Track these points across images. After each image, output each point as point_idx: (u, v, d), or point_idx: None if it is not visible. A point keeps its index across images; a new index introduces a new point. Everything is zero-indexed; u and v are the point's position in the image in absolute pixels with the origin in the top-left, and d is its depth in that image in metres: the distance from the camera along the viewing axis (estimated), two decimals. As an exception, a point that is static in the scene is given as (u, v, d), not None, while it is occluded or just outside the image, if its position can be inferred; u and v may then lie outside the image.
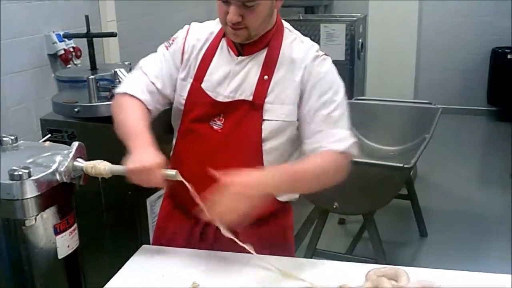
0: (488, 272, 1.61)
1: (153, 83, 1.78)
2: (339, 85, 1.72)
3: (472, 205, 4.44)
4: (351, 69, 4.78)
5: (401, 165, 2.89)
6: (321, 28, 4.77)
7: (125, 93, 1.78)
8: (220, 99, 1.72)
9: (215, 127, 1.73)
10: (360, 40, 4.89)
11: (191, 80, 1.76)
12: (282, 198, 1.83)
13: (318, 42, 4.70)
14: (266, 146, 1.72)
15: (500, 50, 6.39)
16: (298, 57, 1.70)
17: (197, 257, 1.73)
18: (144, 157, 1.56)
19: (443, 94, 6.42)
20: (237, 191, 1.50)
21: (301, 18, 5.29)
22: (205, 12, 5.21)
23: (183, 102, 1.77)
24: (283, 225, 1.90)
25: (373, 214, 3.20)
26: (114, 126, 1.74)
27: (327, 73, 1.70)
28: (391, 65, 4.75)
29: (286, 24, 1.79)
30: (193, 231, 1.83)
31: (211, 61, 1.75)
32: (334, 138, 1.66)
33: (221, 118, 1.72)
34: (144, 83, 1.78)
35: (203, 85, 1.74)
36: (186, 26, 1.85)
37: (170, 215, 1.91)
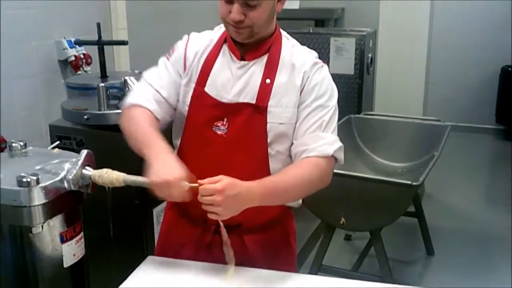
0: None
1: (158, 92, 1.78)
2: (334, 92, 1.77)
3: (479, 224, 4.40)
4: (360, 83, 4.77)
5: (409, 182, 2.85)
6: (330, 41, 4.76)
7: (133, 105, 1.78)
8: (224, 101, 1.73)
9: (218, 132, 1.73)
10: (370, 55, 4.88)
11: (193, 85, 1.77)
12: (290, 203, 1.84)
13: (327, 55, 4.72)
14: (272, 150, 1.73)
15: (509, 69, 6.36)
16: (298, 63, 1.74)
17: (203, 269, 1.72)
18: (166, 169, 1.54)
19: (451, 111, 6.39)
20: (221, 198, 1.47)
21: (311, 31, 5.29)
22: (216, 23, 5.21)
23: (187, 108, 1.77)
24: (286, 231, 1.91)
25: (380, 231, 3.17)
26: (125, 138, 1.72)
27: (324, 80, 1.75)
28: (400, 81, 4.73)
29: (283, 33, 1.82)
30: (201, 241, 1.82)
31: (213, 65, 1.76)
32: (322, 142, 1.69)
33: (224, 122, 1.72)
34: (150, 94, 1.78)
35: (206, 89, 1.75)
36: (186, 36, 1.86)
37: (175, 225, 1.90)
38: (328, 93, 1.74)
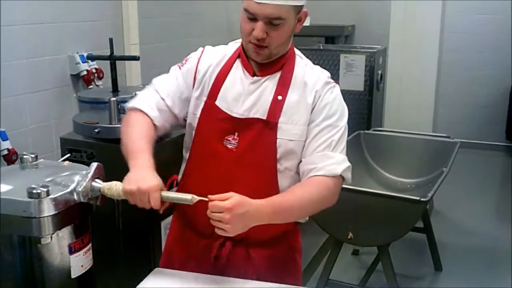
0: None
1: (163, 100, 1.82)
2: (344, 112, 1.79)
3: (487, 241, 4.38)
4: (369, 100, 4.79)
5: (418, 198, 2.86)
6: (341, 58, 4.80)
7: (134, 108, 1.81)
8: (234, 115, 1.75)
9: (229, 146, 1.75)
10: (380, 72, 4.90)
11: (205, 99, 1.79)
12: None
13: (337, 72, 4.74)
14: (281, 166, 1.75)
15: (520, 86, 6.36)
16: (311, 81, 1.76)
17: (209, 282, 1.73)
18: (141, 178, 1.57)
19: (461, 128, 6.38)
20: (230, 216, 1.49)
21: (321, 47, 5.33)
22: (228, 39, 5.26)
23: (197, 120, 1.80)
24: (292, 247, 1.92)
25: (388, 246, 3.17)
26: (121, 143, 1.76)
27: (335, 100, 1.77)
28: (410, 98, 4.75)
29: (297, 52, 1.85)
30: (205, 253, 1.83)
31: (225, 79, 1.79)
32: (330, 161, 1.71)
33: (235, 137, 1.75)
34: (154, 100, 1.82)
35: (217, 103, 1.77)
36: (201, 48, 1.89)
37: (181, 237, 1.91)
38: (338, 113, 1.76)
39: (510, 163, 6.46)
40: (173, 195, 1.61)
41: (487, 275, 3.83)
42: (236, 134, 1.75)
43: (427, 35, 4.67)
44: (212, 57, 1.83)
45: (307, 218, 1.89)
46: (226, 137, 1.75)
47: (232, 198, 1.50)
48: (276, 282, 1.76)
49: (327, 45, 6.07)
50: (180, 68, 1.86)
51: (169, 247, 1.98)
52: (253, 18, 1.65)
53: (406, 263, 3.96)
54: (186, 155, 1.87)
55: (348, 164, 1.74)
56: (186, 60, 1.87)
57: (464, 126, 6.53)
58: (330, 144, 1.73)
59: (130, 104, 1.85)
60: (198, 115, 1.80)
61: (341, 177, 1.73)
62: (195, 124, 1.81)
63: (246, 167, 1.74)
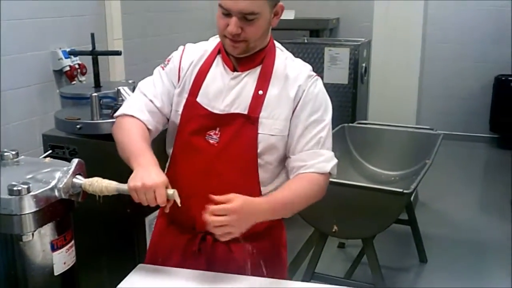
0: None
1: (152, 102, 1.81)
2: (329, 106, 1.80)
3: (472, 232, 4.42)
4: (354, 93, 4.80)
5: (401, 190, 2.88)
6: (325, 51, 4.80)
7: (125, 115, 1.81)
8: (215, 111, 1.76)
9: (211, 141, 1.76)
10: (364, 65, 4.92)
11: (186, 95, 1.80)
12: None
13: (322, 65, 4.75)
14: (262, 160, 1.75)
15: (503, 78, 6.41)
16: (292, 75, 1.76)
17: (193, 277, 1.73)
18: (146, 175, 1.57)
19: (445, 120, 6.44)
20: (236, 218, 1.52)
21: (305, 41, 5.33)
22: (211, 34, 5.24)
23: (179, 117, 1.80)
24: (277, 242, 1.93)
25: (372, 239, 3.18)
26: (116, 148, 1.76)
27: (319, 93, 1.77)
28: (394, 90, 4.75)
29: (277, 44, 1.84)
30: (188, 247, 1.84)
31: (206, 76, 1.79)
32: (320, 159, 1.73)
33: (217, 132, 1.75)
34: (143, 103, 1.81)
35: (198, 99, 1.78)
36: (181, 47, 1.89)
37: (165, 232, 1.92)
38: (323, 107, 1.77)
39: (494, 154, 6.52)
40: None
41: (471, 266, 3.87)
42: (218, 129, 1.75)
43: (410, 28, 4.66)
44: (193, 54, 1.84)
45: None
46: (208, 132, 1.76)
47: (237, 199, 1.53)
48: (259, 276, 1.76)
49: (312, 38, 6.07)
50: (163, 68, 1.87)
51: (154, 241, 1.99)
52: (227, 13, 1.65)
53: (392, 255, 3.99)
54: (169, 151, 1.87)
55: (335, 160, 1.77)
56: (168, 60, 1.88)
57: (448, 118, 6.59)
58: (318, 141, 1.74)
59: (119, 111, 1.84)
60: (180, 112, 1.80)
61: (328, 174, 1.76)
62: (177, 121, 1.81)
63: (227, 161, 1.75)
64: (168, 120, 1.86)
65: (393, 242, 4.13)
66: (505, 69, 6.43)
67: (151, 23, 4.73)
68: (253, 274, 1.78)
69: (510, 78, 6.36)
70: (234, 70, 1.78)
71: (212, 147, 1.75)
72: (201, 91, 1.78)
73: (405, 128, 4.15)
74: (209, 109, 1.76)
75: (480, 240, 4.28)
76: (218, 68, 1.80)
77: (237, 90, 1.76)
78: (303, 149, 1.74)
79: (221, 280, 1.71)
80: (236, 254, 1.82)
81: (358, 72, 4.80)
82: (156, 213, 2.48)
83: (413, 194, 3.99)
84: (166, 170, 1.88)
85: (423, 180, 3.23)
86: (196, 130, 1.77)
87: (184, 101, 1.80)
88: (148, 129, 1.79)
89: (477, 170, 6.13)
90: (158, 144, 1.87)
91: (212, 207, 1.52)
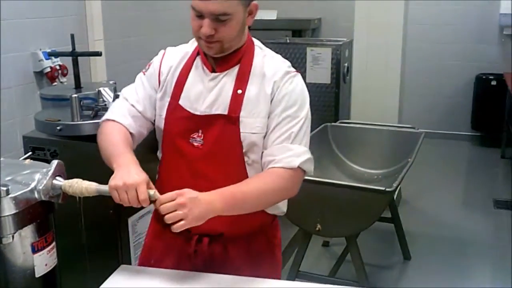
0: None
1: (133, 106, 1.83)
2: (305, 102, 1.76)
3: (455, 229, 4.46)
4: (336, 92, 4.83)
5: (383, 188, 2.90)
6: (307, 51, 4.82)
7: (107, 120, 1.82)
8: (197, 113, 1.75)
9: (195, 144, 1.75)
10: (346, 64, 4.94)
11: (168, 99, 1.79)
12: (273, 211, 1.85)
13: (304, 65, 4.77)
14: (248, 159, 1.75)
15: (484, 77, 6.48)
16: (270, 72, 1.74)
17: (176, 277, 1.73)
18: (126, 174, 1.57)
19: (427, 119, 6.49)
20: (188, 204, 1.51)
21: (287, 41, 5.34)
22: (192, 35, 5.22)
23: (163, 121, 1.80)
24: (271, 242, 1.91)
25: (356, 237, 3.20)
26: (100, 153, 1.76)
27: (294, 90, 1.74)
28: (376, 90, 4.78)
29: (256, 42, 1.83)
30: (184, 249, 1.83)
31: (186, 79, 1.79)
32: (289, 153, 1.70)
33: (200, 134, 1.75)
34: (125, 108, 1.83)
35: (180, 102, 1.77)
36: (162, 51, 1.89)
37: (160, 234, 1.90)
38: (298, 104, 1.74)
39: (476, 152, 6.59)
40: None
41: (455, 263, 3.91)
42: (200, 131, 1.75)
43: (391, 27, 4.70)
44: (173, 57, 1.84)
45: (284, 210, 1.90)
46: (191, 135, 1.75)
47: (185, 194, 1.52)
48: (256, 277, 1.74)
49: (294, 39, 6.09)
50: (144, 73, 1.87)
51: (148, 244, 1.97)
52: (200, 15, 1.64)
53: (376, 253, 4.01)
54: (159, 155, 1.88)
55: (308, 156, 1.73)
56: (149, 65, 1.88)
57: (430, 116, 6.65)
58: (289, 136, 1.71)
59: (103, 117, 1.86)
60: (163, 116, 1.80)
61: (301, 169, 1.72)
62: (161, 125, 1.81)
63: (214, 163, 1.74)
64: (152, 123, 1.86)
65: (377, 240, 4.16)
66: (486, 68, 6.50)
67: (132, 24, 4.71)
68: (249, 275, 1.75)
69: (491, 77, 6.42)
70: (213, 71, 1.77)
71: (197, 150, 1.75)
72: (183, 93, 1.78)
73: (387, 127, 4.18)
74: (191, 111, 1.76)
75: (463, 237, 4.32)
76: (197, 70, 1.80)
77: (216, 91, 1.75)
78: (273, 143, 1.72)
79: (202, 279, 1.71)
80: (231, 254, 1.81)
81: (340, 72, 4.83)
82: (139, 214, 2.48)
83: (396, 192, 4.02)
84: (157, 175, 1.88)
85: (407, 178, 3.25)
86: (180, 133, 1.77)
87: (166, 105, 1.80)
88: (131, 133, 1.80)
89: (460, 168, 6.19)
90: (145, 145, 1.87)
91: (160, 198, 1.53)
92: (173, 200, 1.51)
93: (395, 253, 4.00)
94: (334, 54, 4.78)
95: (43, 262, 1.63)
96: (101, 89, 2.56)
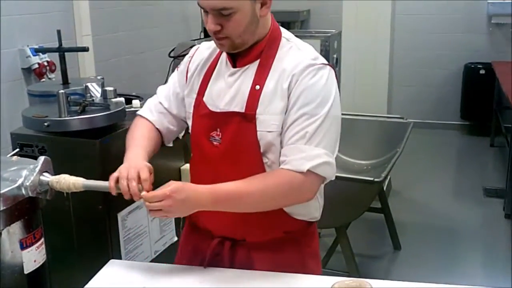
0: (461, 285, 1.62)
1: (161, 103, 1.86)
2: (327, 99, 1.59)
3: (445, 219, 4.49)
4: (325, 84, 4.82)
5: (371, 179, 2.92)
6: (296, 43, 4.81)
7: (138, 116, 1.88)
8: (217, 110, 1.68)
9: (214, 143, 1.68)
10: (335, 56, 4.95)
11: (195, 96, 1.75)
12: (299, 216, 1.73)
13: (293, 57, 4.75)
14: (267, 160, 1.64)
15: (472, 66, 6.51)
16: (290, 65, 1.61)
17: (167, 271, 1.74)
18: (127, 165, 1.60)
19: (416, 109, 6.52)
20: (173, 206, 1.51)
21: (276, 33, 5.33)
22: (184, 30, 5.25)
23: (191, 117, 1.77)
24: (302, 251, 1.78)
25: (345, 228, 3.22)
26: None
27: (316, 84, 1.58)
28: (365, 80, 4.81)
29: (285, 33, 1.71)
30: (209, 252, 1.75)
31: (211, 74, 1.74)
32: (300, 155, 1.56)
33: (218, 133, 1.67)
34: (153, 104, 1.87)
35: (204, 98, 1.72)
36: (196, 46, 1.86)
37: (190, 236, 1.88)
38: (318, 100, 1.57)
39: (465, 141, 6.63)
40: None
41: (445, 253, 3.94)
42: (219, 130, 1.67)
43: (379, 18, 4.71)
44: (203, 53, 1.80)
45: (317, 216, 1.80)
46: (211, 134, 1.69)
47: (171, 185, 1.51)
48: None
49: (283, 31, 6.08)
50: (177, 69, 1.87)
51: (181, 244, 1.95)
52: (205, 10, 1.59)
53: (366, 243, 4.04)
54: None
55: (323, 160, 1.56)
56: (183, 62, 1.86)
57: (420, 106, 6.68)
58: (303, 135, 1.56)
59: (137, 112, 1.91)
60: (191, 112, 1.76)
61: (314, 174, 1.56)
62: (190, 123, 1.78)
63: (232, 163, 1.65)
64: (181, 120, 1.86)
65: (367, 230, 4.18)
66: (474, 57, 6.53)
67: (120, 19, 4.69)
68: None
69: (479, 66, 6.45)
70: (234, 66, 1.68)
71: (215, 149, 1.68)
72: (207, 90, 1.73)
73: (376, 117, 4.19)
74: (212, 108, 1.69)
75: (453, 226, 4.35)
76: (222, 65, 1.73)
77: (236, 86, 1.66)
78: (287, 142, 1.58)
79: (193, 273, 1.72)
80: (255, 260, 1.73)
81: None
82: (128, 209, 2.49)
83: (386, 183, 4.04)
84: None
85: (397, 169, 3.26)
86: (201, 131, 1.71)
87: (193, 101, 1.75)
88: (158, 129, 1.83)
89: (449, 158, 6.22)
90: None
91: (147, 195, 1.52)
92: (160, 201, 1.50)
93: (385, 243, 4.02)
94: (323, 46, 4.79)
95: (32, 258, 1.64)
96: (88, 84, 2.56)
